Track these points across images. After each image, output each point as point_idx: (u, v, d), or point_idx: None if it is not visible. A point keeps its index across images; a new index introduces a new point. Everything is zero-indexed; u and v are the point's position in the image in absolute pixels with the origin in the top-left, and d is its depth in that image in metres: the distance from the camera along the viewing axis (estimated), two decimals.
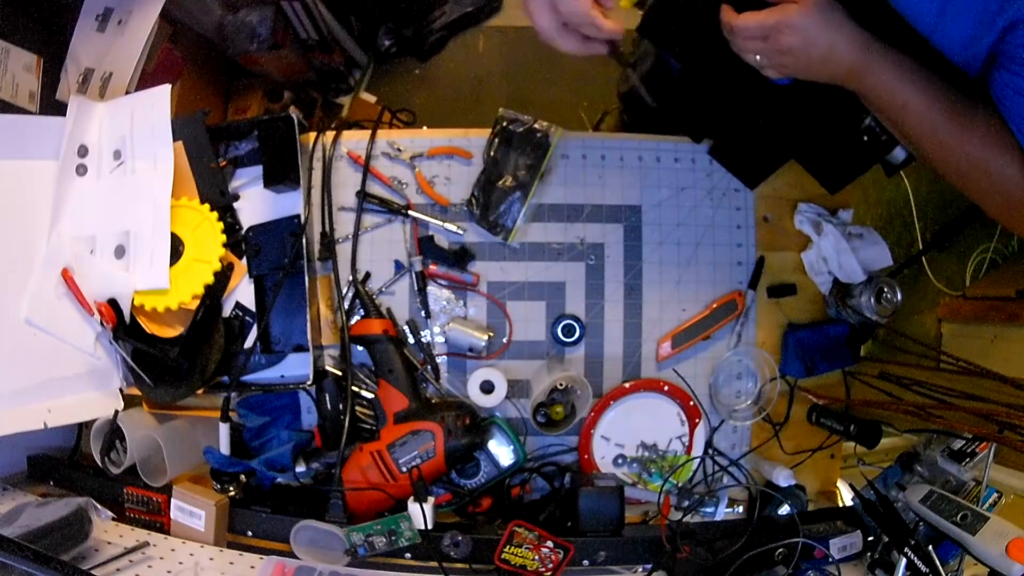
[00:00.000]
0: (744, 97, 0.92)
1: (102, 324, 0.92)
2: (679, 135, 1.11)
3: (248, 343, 1.01)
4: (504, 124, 1.05)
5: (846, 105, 0.73)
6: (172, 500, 0.93)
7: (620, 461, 1.07)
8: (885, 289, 1.04)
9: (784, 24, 0.67)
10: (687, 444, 1.08)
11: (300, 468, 0.98)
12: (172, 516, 0.94)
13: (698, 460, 1.09)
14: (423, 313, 1.06)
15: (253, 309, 1.01)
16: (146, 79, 1.10)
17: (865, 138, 0.98)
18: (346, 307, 1.04)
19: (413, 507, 0.90)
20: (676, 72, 1.06)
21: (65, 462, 1.06)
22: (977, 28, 0.60)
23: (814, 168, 1.07)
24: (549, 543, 0.88)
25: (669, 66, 1.06)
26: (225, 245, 0.96)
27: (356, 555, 0.89)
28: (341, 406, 0.99)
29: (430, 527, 0.90)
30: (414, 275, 1.05)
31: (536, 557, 0.88)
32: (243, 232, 1.02)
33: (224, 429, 0.96)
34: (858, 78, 0.68)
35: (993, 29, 0.59)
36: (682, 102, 1.09)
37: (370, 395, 1.03)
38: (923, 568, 0.88)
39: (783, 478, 1.05)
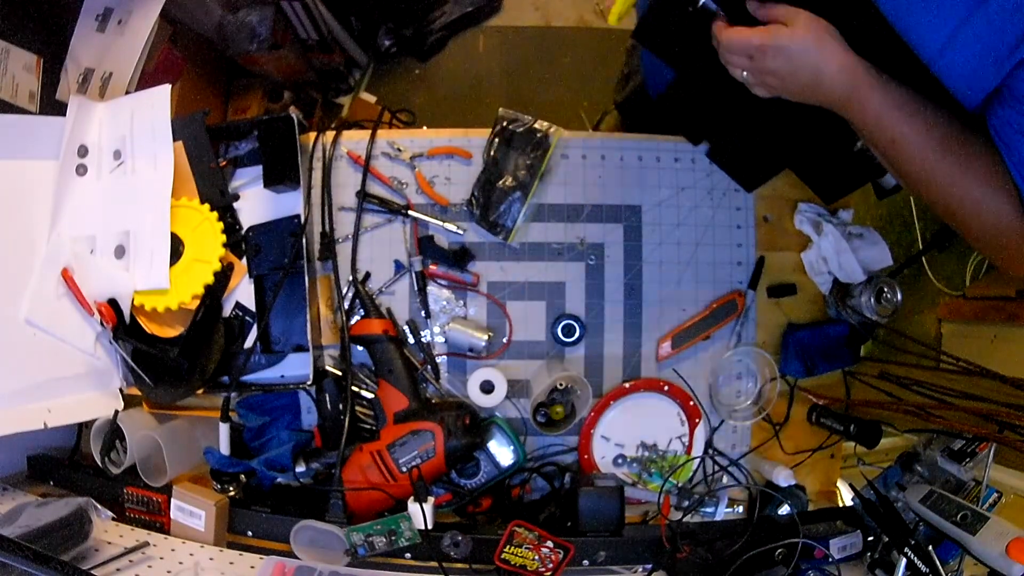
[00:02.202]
0: (738, 106, 0.92)
1: (102, 324, 0.92)
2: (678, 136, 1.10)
3: (248, 343, 1.01)
4: (504, 124, 1.05)
5: (838, 126, 0.71)
6: (172, 500, 0.93)
7: (620, 461, 1.07)
8: (885, 289, 1.04)
9: (770, 46, 0.65)
10: (687, 444, 1.08)
11: (300, 468, 0.98)
12: (172, 516, 0.94)
13: (698, 460, 1.09)
14: (423, 313, 1.06)
15: (253, 309, 1.01)
16: (146, 79, 1.10)
17: (857, 161, 0.97)
18: (346, 307, 1.04)
19: (413, 507, 0.90)
20: (672, 78, 1.06)
21: (65, 462, 1.06)
22: (985, 60, 0.57)
23: (809, 179, 1.07)
24: (549, 543, 0.88)
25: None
26: (225, 245, 0.96)
27: (356, 555, 0.89)
28: (341, 406, 0.99)
29: (430, 527, 0.90)
30: (414, 275, 1.05)
31: (536, 557, 0.88)
32: (243, 232, 1.02)
33: (224, 429, 0.96)
34: (846, 108, 0.66)
35: (1004, 64, 0.56)
36: (678, 107, 1.09)
37: (370, 395, 1.03)
38: (923, 568, 0.87)
39: (783, 478, 1.05)
